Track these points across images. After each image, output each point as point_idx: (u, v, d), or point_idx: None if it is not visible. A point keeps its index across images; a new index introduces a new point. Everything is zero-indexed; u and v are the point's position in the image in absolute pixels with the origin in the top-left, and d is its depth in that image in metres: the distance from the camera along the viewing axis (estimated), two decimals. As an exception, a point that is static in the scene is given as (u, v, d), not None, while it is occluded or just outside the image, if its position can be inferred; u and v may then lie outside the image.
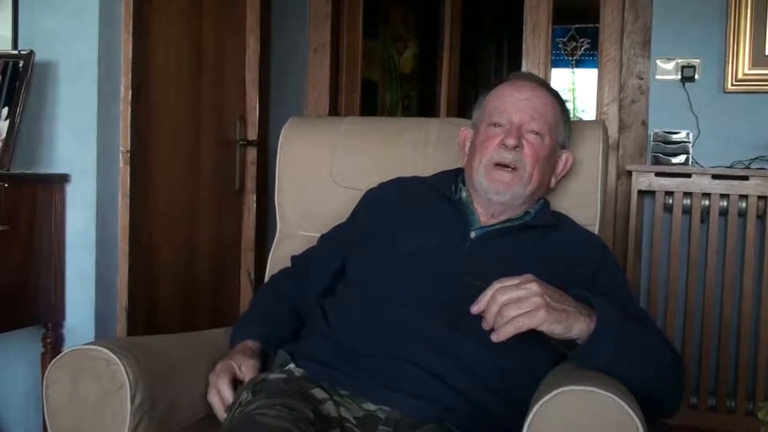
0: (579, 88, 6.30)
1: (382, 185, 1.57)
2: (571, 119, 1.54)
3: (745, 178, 2.57)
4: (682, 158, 2.67)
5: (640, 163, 2.79)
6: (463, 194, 1.47)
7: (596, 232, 1.54)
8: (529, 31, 3.04)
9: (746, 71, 2.70)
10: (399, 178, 1.58)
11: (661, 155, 2.68)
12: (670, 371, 1.24)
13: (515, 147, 1.39)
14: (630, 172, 2.69)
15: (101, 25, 1.93)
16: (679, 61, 2.78)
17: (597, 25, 2.98)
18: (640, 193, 2.67)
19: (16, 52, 1.90)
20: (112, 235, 2.02)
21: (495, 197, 1.41)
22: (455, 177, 1.52)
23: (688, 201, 2.61)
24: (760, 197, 2.56)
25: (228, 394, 1.27)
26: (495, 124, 1.43)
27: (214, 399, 1.28)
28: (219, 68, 2.52)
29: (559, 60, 6.01)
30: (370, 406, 1.20)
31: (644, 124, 2.82)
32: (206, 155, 2.47)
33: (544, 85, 1.51)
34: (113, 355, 1.22)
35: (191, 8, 2.35)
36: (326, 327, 1.35)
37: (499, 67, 6.00)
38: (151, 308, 2.19)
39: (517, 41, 3.46)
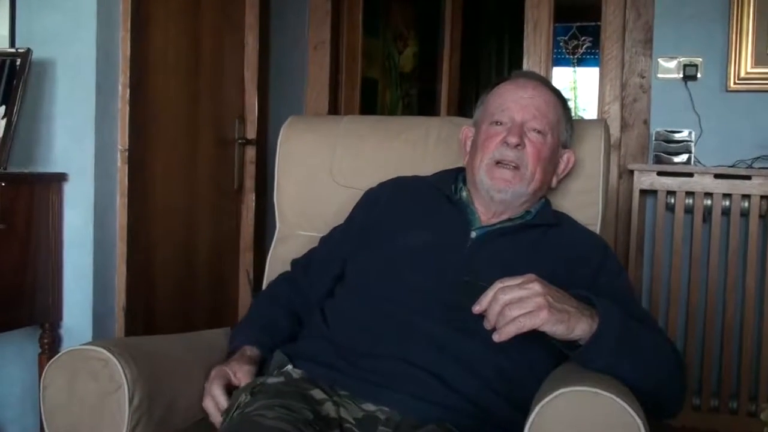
0: (580, 86, 6.31)
1: (382, 185, 1.56)
2: (573, 118, 1.53)
3: (748, 177, 2.56)
4: (684, 157, 2.66)
5: (642, 162, 2.78)
6: (464, 194, 1.47)
7: (598, 231, 1.54)
8: (530, 29, 3.03)
9: (749, 70, 2.69)
10: (399, 178, 1.57)
11: (663, 154, 2.68)
12: (672, 372, 1.23)
13: (517, 145, 1.39)
14: (632, 172, 2.68)
15: (99, 24, 1.93)
16: (682, 59, 2.77)
17: (599, 23, 2.97)
18: (642, 192, 2.66)
19: (13, 50, 1.90)
20: (110, 235, 2.01)
21: (497, 195, 1.40)
22: (455, 176, 1.51)
23: (690, 200, 2.60)
24: (762, 197, 2.55)
25: (222, 400, 1.27)
26: (497, 123, 1.42)
27: (209, 405, 1.28)
28: (218, 66, 2.51)
29: (560, 58, 6.01)
30: (370, 407, 1.20)
31: (646, 123, 2.81)
32: (205, 154, 2.46)
33: (547, 83, 1.51)
34: (111, 356, 1.21)
35: (189, 6, 2.34)
36: (325, 327, 1.35)
37: (499, 66, 5.98)
38: (149, 308, 2.19)
39: (518, 39, 3.45)
